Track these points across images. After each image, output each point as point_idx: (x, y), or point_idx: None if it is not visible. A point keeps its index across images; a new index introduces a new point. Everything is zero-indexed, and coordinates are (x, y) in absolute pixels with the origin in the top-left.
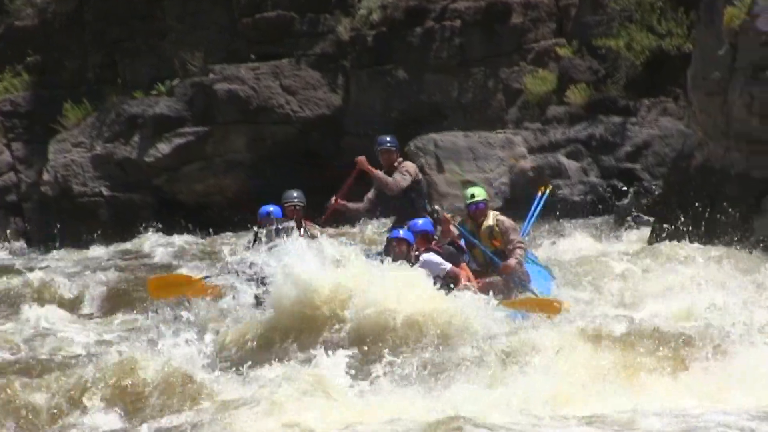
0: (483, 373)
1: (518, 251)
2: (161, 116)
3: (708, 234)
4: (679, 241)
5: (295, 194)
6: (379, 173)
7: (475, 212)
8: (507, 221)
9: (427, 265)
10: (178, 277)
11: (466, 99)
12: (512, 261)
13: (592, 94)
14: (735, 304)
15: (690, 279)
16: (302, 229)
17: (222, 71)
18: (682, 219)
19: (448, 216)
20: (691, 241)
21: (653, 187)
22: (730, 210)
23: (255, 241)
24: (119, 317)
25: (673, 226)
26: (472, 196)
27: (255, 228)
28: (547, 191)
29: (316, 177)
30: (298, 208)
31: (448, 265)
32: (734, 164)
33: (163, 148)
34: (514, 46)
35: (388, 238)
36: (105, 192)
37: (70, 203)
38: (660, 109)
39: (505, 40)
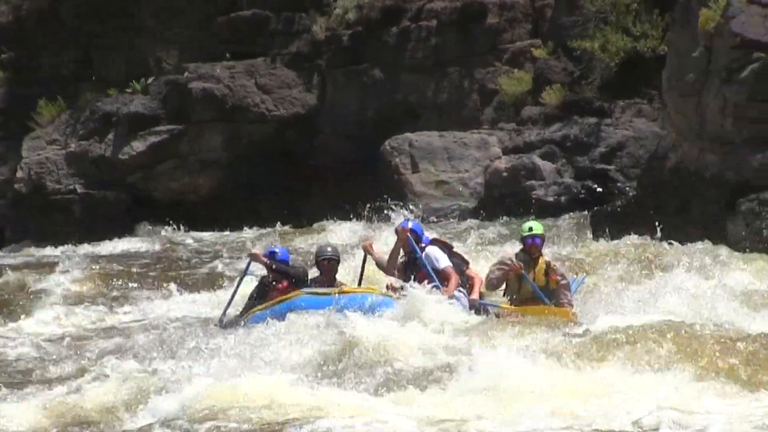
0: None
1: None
2: (136, 114)
3: (681, 235)
4: (651, 242)
5: (329, 249)
6: (382, 258)
7: (530, 246)
8: (560, 267)
9: (427, 256)
10: None
11: (442, 99)
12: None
13: (567, 95)
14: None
15: (666, 282)
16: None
17: (197, 70)
18: (656, 220)
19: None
20: (663, 242)
21: (627, 188)
22: (704, 211)
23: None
24: (100, 318)
25: (646, 228)
26: (530, 229)
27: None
28: (585, 276)
29: (292, 175)
30: (332, 262)
31: (445, 264)
32: (708, 166)
33: (138, 146)
34: (489, 47)
35: (396, 229)
36: (79, 189)
37: (43, 200)
38: (634, 110)
39: (480, 41)
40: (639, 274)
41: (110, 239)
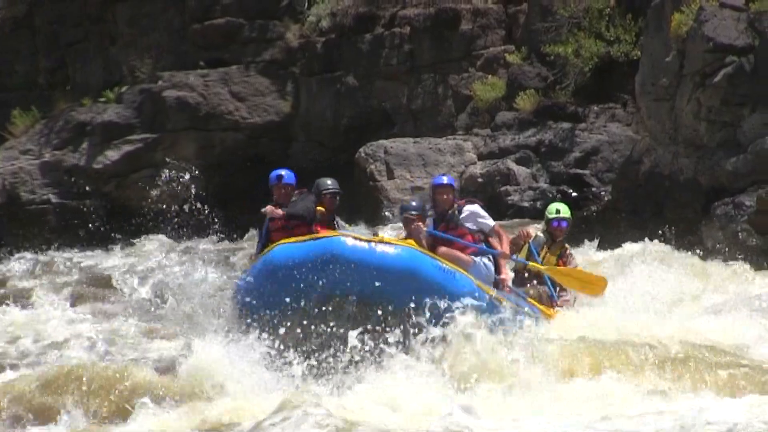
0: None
1: (572, 304)
2: (110, 123)
3: (656, 240)
4: (626, 247)
5: (329, 182)
6: None
7: (555, 229)
8: (577, 264)
9: (472, 216)
10: None
11: (416, 105)
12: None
13: (541, 100)
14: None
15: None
16: (336, 223)
17: (171, 78)
18: (630, 225)
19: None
20: (638, 247)
21: (602, 193)
22: (678, 215)
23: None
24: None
25: (622, 232)
26: (557, 211)
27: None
28: None
29: (266, 183)
30: (336, 196)
31: (493, 222)
32: (682, 170)
33: (112, 155)
34: (463, 53)
35: (432, 184)
36: (53, 199)
37: (18, 211)
38: (608, 115)
39: (454, 47)
40: (611, 278)
41: (85, 249)
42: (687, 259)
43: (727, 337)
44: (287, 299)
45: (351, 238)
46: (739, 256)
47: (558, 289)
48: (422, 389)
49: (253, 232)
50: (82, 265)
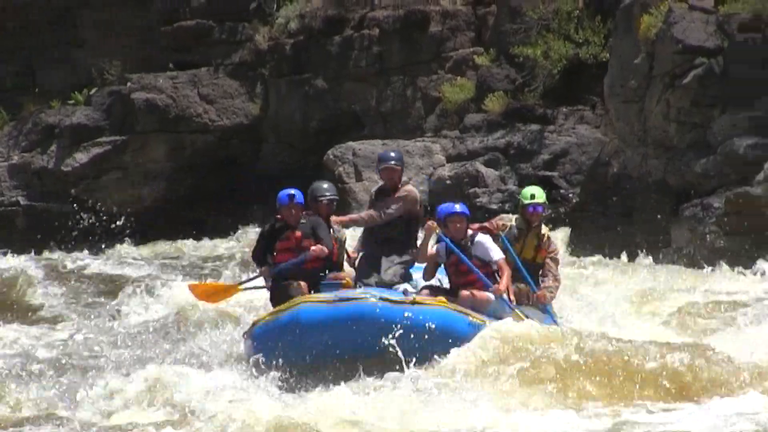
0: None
1: (554, 291)
2: (78, 125)
3: (625, 242)
4: (595, 249)
5: (325, 186)
6: (354, 216)
7: (531, 214)
8: (556, 247)
9: (480, 247)
10: (216, 285)
11: (385, 107)
12: (548, 296)
13: (509, 102)
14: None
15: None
16: (332, 229)
17: (140, 80)
18: (599, 227)
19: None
20: (608, 250)
21: (571, 195)
22: (647, 217)
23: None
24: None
25: (590, 234)
26: (532, 196)
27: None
28: None
29: (236, 185)
30: (333, 203)
31: (500, 256)
32: (651, 171)
33: (81, 157)
34: (432, 55)
35: (446, 214)
36: (22, 201)
37: None
38: (577, 117)
39: (423, 49)
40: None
41: (54, 251)
42: (654, 261)
43: (697, 339)
44: (309, 359)
45: (381, 300)
46: (708, 258)
47: (540, 273)
48: (429, 404)
49: (222, 243)
50: (48, 270)
